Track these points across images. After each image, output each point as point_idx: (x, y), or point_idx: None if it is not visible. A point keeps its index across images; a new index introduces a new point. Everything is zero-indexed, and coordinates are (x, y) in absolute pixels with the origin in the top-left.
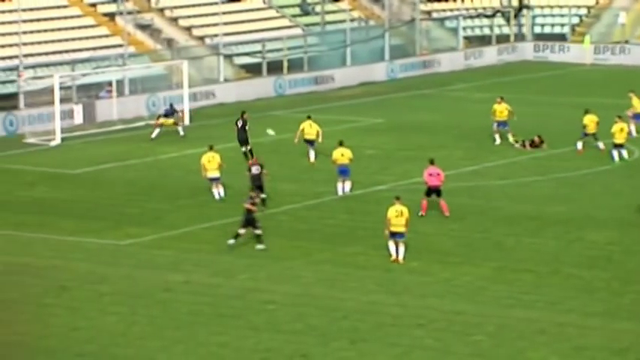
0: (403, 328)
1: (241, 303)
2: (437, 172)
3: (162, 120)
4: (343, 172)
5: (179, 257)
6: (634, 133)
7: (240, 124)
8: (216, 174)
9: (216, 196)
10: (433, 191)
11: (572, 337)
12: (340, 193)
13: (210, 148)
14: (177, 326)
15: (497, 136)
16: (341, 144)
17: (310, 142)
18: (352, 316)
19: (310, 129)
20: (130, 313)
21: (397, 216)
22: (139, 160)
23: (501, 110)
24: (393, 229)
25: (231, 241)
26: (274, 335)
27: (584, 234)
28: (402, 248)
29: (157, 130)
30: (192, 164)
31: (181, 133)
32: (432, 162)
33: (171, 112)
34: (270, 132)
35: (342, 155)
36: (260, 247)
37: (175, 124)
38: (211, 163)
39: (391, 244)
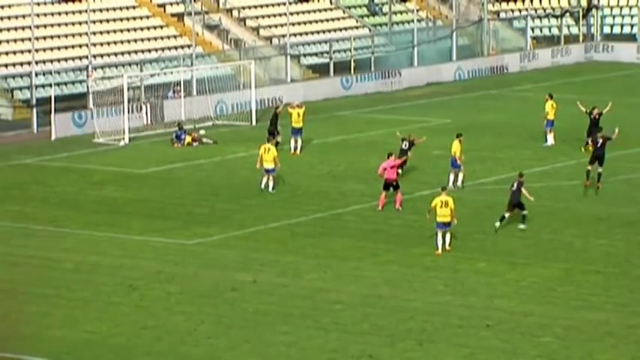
0: (470, 329)
1: (308, 303)
2: (391, 165)
3: (187, 139)
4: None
5: (246, 257)
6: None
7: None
8: (270, 165)
9: (262, 186)
10: (389, 185)
11: None
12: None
13: (268, 141)
14: (244, 326)
15: (549, 137)
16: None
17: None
18: (419, 316)
19: (298, 118)
20: (198, 313)
21: (441, 206)
22: (206, 159)
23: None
24: (440, 219)
25: (497, 224)
26: (341, 335)
27: None
28: (447, 237)
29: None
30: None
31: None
32: (389, 155)
33: (182, 133)
34: (202, 132)
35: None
36: (522, 226)
37: (195, 140)
38: (268, 154)
39: (439, 237)
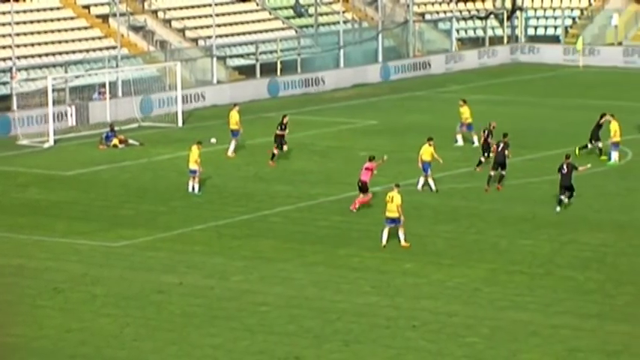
0: (397, 330)
1: (234, 305)
2: (366, 167)
3: (114, 141)
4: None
5: (173, 259)
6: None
7: (281, 127)
8: (193, 167)
9: (189, 189)
10: (360, 187)
11: (566, 339)
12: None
13: (199, 143)
14: (170, 328)
15: (459, 137)
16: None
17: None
18: (345, 317)
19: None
20: (123, 315)
21: (388, 201)
22: (132, 161)
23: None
24: (387, 214)
25: (558, 209)
26: (267, 337)
27: (578, 236)
28: (400, 233)
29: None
30: (185, 166)
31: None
32: (370, 159)
33: (112, 135)
34: (213, 140)
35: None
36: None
37: (122, 142)
38: (192, 155)
39: (384, 232)
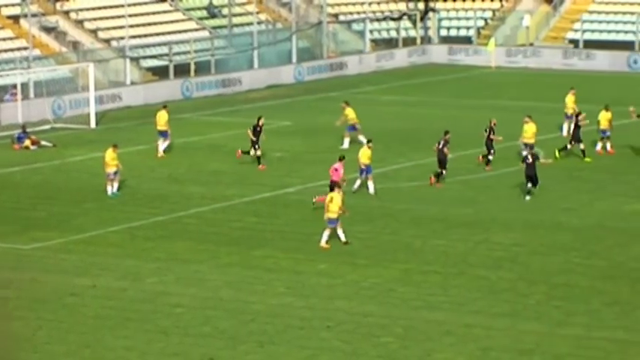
0: (311, 331)
1: (148, 307)
2: (335, 168)
3: (26, 143)
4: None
5: (86, 261)
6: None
7: (254, 129)
8: (111, 169)
9: (109, 192)
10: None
11: (479, 339)
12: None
13: (114, 146)
14: (83, 331)
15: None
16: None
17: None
18: (260, 318)
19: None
20: (36, 318)
21: (329, 202)
22: (45, 163)
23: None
24: (328, 214)
25: (527, 198)
26: (182, 339)
27: (490, 235)
28: (339, 232)
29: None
30: (99, 167)
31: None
32: (341, 158)
33: (24, 136)
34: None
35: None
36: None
37: (34, 143)
38: (111, 158)
39: (326, 232)
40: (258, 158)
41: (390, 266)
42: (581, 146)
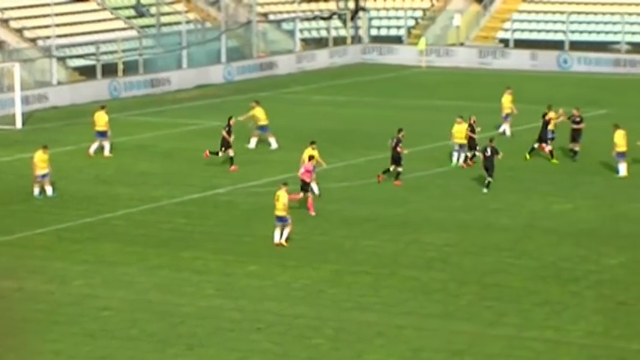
0: (241, 333)
1: (76, 309)
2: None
3: None
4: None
5: (12, 264)
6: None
7: (227, 129)
8: (41, 171)
9: (35, 193)
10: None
11: (410, 339)
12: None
13: (45, 147)
14: (10, 334)
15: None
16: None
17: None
18: (189, 321)
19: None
20: None
21: (276, 200)
22: None
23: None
24: (276, 212)
25: (485, 190)
26: (110, 342)
27: (421, 236)
28: (285, 231)
29: None
30: (25, 168)
31: None
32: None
33: None
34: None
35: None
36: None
37: None
38: (41, 160)
39: (276, 230)
40: (231, 159)
41: (320, 267)
42: (549, 147)
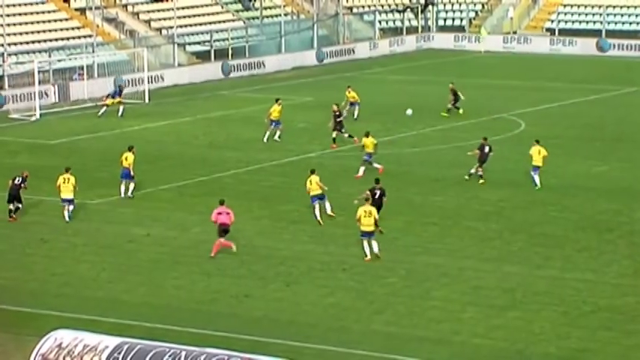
0: (330, 272)
1: (194, 252)
2: (226, 212)
3: (110, 100)
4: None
5: (141, 214)
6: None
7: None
8: (69, 195)
9: (67, 218)
10: (225, 230)
11: (470, 279)
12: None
13: (67, 171)
14: (139, 272)
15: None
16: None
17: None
18: (287, 262)
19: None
20: (100, 261)
21: (365, 216)
22: (107, 132)
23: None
24: (363, 228)
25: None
26: (222, 279)
27: (480, 193)
28: (374, 244)
29: (103, 109)
30: (151, 136)
31: (120, 112)
32: (222, 202)
33: (118, 93)
34: (409, 112)
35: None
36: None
37: (120, 103)
38: (66, 184)
39: (365, 244)
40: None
41: (395, 218)
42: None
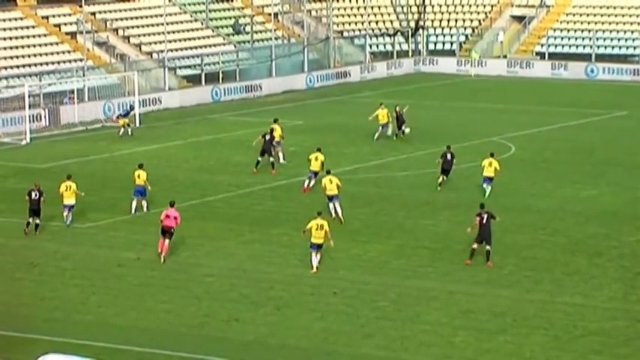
0: (320, 296)
1: (184, 276)
2: (174, 215)
3: (121, 120)
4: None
5: (131, 238)
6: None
7: (267, 137)
8: (71, 202)
9: (67, 222)
10: (166, 231)
11: (461, 303)
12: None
13: (68, 178)
14: (129, 296)
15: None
16: (328, 172)
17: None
18: (277, 286)
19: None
20: (90, 285)
21: (317, 229)
22: (96, 156)
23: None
24: (314, 240)
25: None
26: (212, 303)
27: (470, 216)
28: (318, 256)
29: (122, 129)
30: (142, 160)
31: (129, 132)
32: (172, 204)
33: (127, 113)
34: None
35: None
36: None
37: (128, 124)
38: (68, 191)
39: (313, 257)
40: (272, 164)
41: (385, 242)
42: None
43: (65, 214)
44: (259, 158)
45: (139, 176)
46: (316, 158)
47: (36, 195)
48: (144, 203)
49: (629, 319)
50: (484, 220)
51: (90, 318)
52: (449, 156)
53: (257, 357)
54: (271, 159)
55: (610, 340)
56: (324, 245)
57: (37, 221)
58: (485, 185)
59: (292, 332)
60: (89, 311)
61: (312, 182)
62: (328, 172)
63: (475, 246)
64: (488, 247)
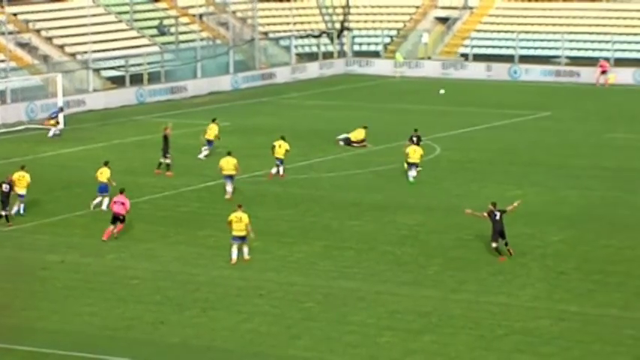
0: (246, 298)
1: (109, 278)
2: (121, 201)
3: (52, 121)
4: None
5: (55, 240)
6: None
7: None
8: (23, 191)
9: (21, 211)
10: (117, 218)
11: (387, 303)
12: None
13: (22, 168)
14: (53, 299)
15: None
16: (229, 153)
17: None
18: (203, 288)
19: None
20: (13, 289)
21: (236, 221)
22: (20, 158)
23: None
24: (235, 233)
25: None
26: (137, 306)
27: (396, 217)
28: (244, 249)
29: (52, 131)
30: (65, 162)
31: (50, 134)
32: (121, 191)
33: (56, 115)
34: (442, 91)
35: (227, 163)
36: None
37: (57, 124)
38: (21, 181)
39: (233, 249)
40: (168, 165)
41: (312, 243)
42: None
43: (18, 203)
44: (161, 160)
45: (101, 173)
46: (280, 146)
47: (6, 188)
48: (105, 201)
49: (552, 318)
50: (497, 217)
51: (13, 321)
52: (415, 139)
53: (183, 359)
54: (167, 160)
55: (534, 339)
56: (247, 240)
57: (5, 213)
58: (409, 171)
59: (218, 334)
60: (13, 315)
61: (281, 170)
62: (229, 154)
63: (494, 244)
64: (504, 242)
